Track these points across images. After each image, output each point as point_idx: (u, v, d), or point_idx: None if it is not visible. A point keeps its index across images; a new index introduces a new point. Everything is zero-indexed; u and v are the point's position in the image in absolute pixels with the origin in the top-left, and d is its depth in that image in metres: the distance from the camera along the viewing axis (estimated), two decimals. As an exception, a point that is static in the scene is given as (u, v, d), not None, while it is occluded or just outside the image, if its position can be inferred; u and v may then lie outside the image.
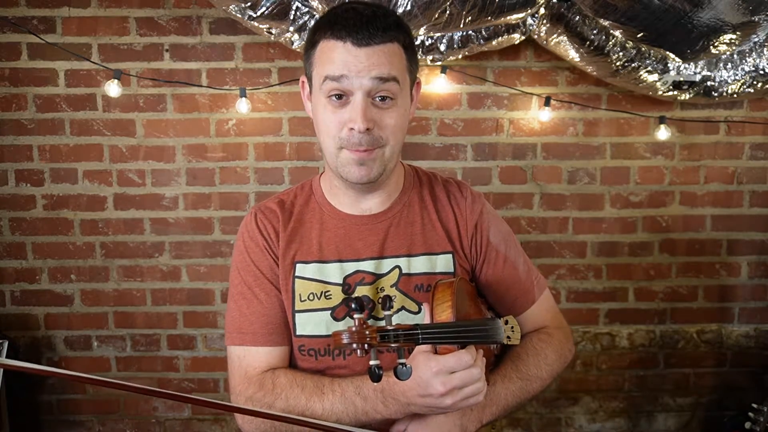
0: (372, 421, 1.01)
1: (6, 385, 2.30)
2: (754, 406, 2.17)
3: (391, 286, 1.10)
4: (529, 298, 1.21)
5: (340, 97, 1.00)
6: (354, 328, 0.81)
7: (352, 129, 1.00)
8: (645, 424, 2.65)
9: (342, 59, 0.98)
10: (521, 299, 1.20)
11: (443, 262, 1.13)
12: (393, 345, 0.83)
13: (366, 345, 0.81)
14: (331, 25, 1.00)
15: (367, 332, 0.81)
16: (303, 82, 1.12)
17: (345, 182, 1.09)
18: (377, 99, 1.00)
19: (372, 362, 0.82)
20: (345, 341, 0.81)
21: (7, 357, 2.23)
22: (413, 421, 1.02)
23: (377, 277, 1.10)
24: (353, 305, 0.83)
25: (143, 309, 2.50)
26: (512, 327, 1.10)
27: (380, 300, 0.91)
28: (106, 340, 2.52)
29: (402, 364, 0.84)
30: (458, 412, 1.01)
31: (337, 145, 1.03)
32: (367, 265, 1.10)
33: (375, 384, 0.97)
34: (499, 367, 1.12)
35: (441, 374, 0.91)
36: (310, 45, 1.05)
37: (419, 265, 1.11)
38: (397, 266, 1.11)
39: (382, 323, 0.92)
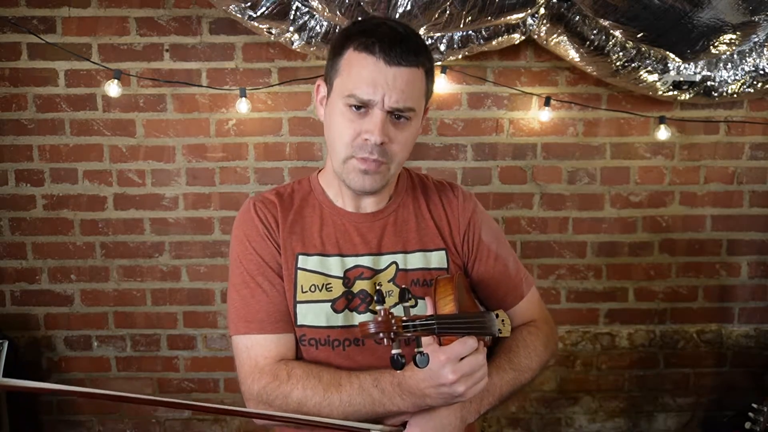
0: (388, 414, 1.04)
1: (6, 385, 2.30)
2: (754, 406, 2.17)
3: (389, 281, 1.14)
4: (518, 293, 1.25)
5: (359, 107, 1.04)
6: (380, 318, 0.85)
7: (367, 139, 1.04)
8: (645, 424, 2.65)
9: (371, 78, 1.01)
10: (511, 295, 1.24)
11: (437, 259, 1.17)
12: (411, 334, 0.88)
13: (392, 334, 0.85)
14: (365, 36, 1.03)
15: (393, 321, 0.86)
16: (319, 85, 1.15)
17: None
18: (394, 116, 1.05)
19: (394, 351, 0.85)
20: (372, 330, 0.85)
21: (7, 357, 2.23)
22: (416, 414, 1.04)
23: (375, 272, 1.14)
24: (376, 297, 0.89)
25: (143, 309, 2.50)
26: (503, 320, 1.14)
27: (398, 293, 0.96)
28: (106, 340, 2.52)
29: (420, 352, 0.87)
30: (459, 404, 1.04)
31: (348, 154, 1.06)
32: (366, 261, 1.14)
33: (392, 378, 1.01)
34: (493, 359, 1.15)
35: (450, 362, 0.94)
36: (339, 50, 1.07)
37: (415, 261, 1.16)
38: (394, 262, 1.15)
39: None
